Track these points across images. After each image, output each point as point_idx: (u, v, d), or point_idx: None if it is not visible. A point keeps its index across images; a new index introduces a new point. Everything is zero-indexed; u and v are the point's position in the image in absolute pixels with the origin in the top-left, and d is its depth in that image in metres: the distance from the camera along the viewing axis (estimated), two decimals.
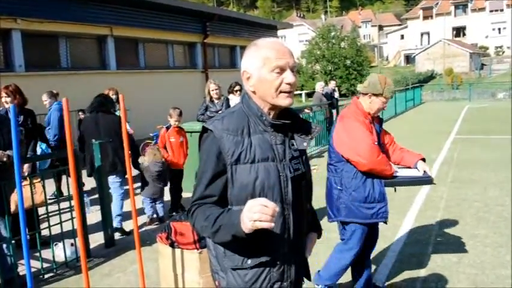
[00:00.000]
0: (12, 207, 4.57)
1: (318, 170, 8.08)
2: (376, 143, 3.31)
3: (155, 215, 6.25)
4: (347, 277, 3.79)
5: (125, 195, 5.73)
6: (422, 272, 4.24)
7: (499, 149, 10.45)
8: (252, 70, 1.76)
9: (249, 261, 1.76)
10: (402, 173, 3.44)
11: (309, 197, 1.99)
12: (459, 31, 62.32)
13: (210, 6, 38.72)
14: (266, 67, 1.72)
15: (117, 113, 6.81)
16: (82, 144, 5.92)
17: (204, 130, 1.81)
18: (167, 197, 6.56)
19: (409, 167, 3.52)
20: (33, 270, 4.57)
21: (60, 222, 4.74)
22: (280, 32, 30.66)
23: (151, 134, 12.32)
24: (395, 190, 3.60)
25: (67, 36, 12.80)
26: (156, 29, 15.31)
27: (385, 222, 3.45)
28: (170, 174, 6.39)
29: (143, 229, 5.92)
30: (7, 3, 10.68)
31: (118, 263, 4.86)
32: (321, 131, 1.99)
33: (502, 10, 58.81)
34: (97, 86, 8.27)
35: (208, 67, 18.24)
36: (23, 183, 4.58)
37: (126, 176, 5.65)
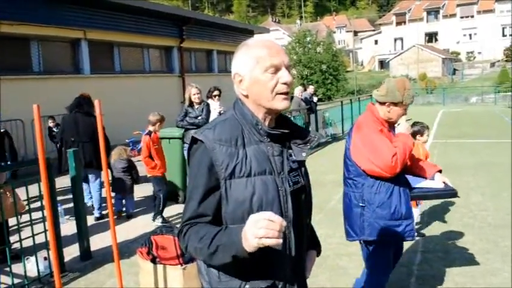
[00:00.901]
0: None
1: None
2: None
3: (123, 209, 6.82)
4: None
5: (101, 187, 6.53)
6: (412, 282, 4.13)
7: (476, 153, 10.56)
8: (244, 72, 1.59)
9: (247, 286, 1.57)
10: (422, 184, 3.18)
11: (309, 211, 1.82)
12: (431, 37, 63.43)
13: (187, 10, 38.40)
14: (259, 67, 1.56)
15: None
16: (62, 142, 6.45)
17: (194, 141, 1.62)
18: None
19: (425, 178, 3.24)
20: (3, 286, 4.33)
21: (33, 235, 4.47)
22: (256, 37, 30.62)
23: (127, 140, 12.04)
24: (417, 204, 3.42)
25: (39, 39, 12.37)
26: (132, 33, 14.99)
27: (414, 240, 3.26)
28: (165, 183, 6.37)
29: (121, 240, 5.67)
30: None
31: (95, 278, 4.63)
32: (322, 139, 1.79)
33: (472, 16, 60.12)
34: (71, 91, 7.96)
35: (185, 71, 17.97)
36: None
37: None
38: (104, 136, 3.51)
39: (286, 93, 1.59)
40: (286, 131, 1.63)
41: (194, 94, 7.04)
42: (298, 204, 1.66)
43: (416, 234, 3.18)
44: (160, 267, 3.18)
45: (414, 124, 5.68)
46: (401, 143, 3.00)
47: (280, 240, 1.33)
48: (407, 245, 5.00)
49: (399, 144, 2.99)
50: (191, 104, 7.12)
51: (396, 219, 3.03)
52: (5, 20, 10.95)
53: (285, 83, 1.57)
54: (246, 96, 1.62)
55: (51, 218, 2.75)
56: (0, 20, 10.84)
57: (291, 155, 1.67)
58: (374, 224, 3.05)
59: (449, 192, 3.14)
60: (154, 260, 3.19)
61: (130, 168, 6.77)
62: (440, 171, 3.23)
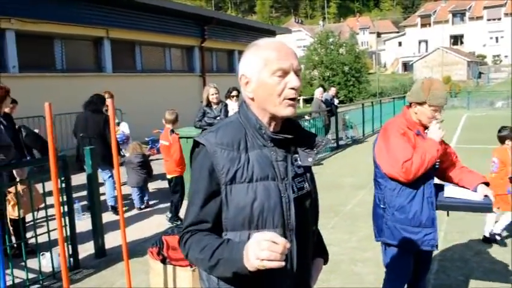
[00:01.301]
0: (15, 214, 4.38)
1: None
2: None
3: (143, 206, 7.13)
4: None
5: (114, 182, 6.69)
6: None
7: None
8: (251, 74, 1.54)
9: None
10: (458, 194, 2.97)
11: (315, 218, 1.75)
12: (457, 39, 62.41)
13: (209, 10, 38.58)
14: (267, 69, 1.50)
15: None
16: (77, 139, 6.80)
17: (196, 144, 1.58)
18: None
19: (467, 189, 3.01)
20: (18, 281, 4.37)
21: (48, 231, 4.51)
22: (278, 37, 30.53)
23: (146, 139, 12.11)
24: (448, 214, 3.28)
25: (62, 37, 12.56)
26: (154, 32, 15.09)
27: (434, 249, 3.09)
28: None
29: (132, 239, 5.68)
30: (0, 2, 10.43)
31: (108, 275, 4.63)
32: (329, 143, 1.73)
33: (499, 19, 58.94)
34: (93, 89, 8.04)
35: (206, 71, 18.03)
36: (10, 190, 4.39)
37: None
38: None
39: (293, 99, 1.53)
40: (289, 136, 1.57)
41: (212, 94, 7.01)
42: (303, 211, 1.61)
43: (435, 244, 3.02)
44: (169, 267, 3.16)
45: (502, 129, 5.58)
46: (422, 149, 2.87)
47: (283, 263, 1.28)
48: None
49: (419, 150, 2.88)
50: (209, 104, 7.11)
51: (415, 226, 2.93)
52: (29, 18, 11.15)
53: (293, 88, 1.51)
54: (252, 99, 1.57)
55: (60, 214, 2.75)
56: (25, 18, 11.06)
57: (296, 160, 1.61)
58: (392, 227, 3.00)
59: (483, 206, 2.87)
60: (164, 261, 3.18)
61: (145, 163, 7.16)
62: (485, 183, 2.96)
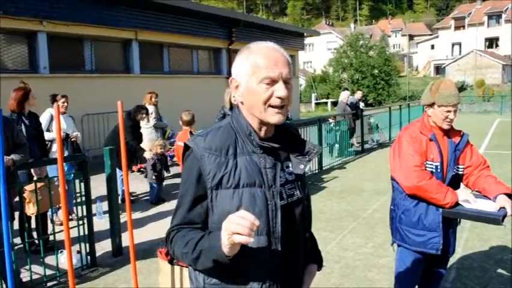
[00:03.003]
0: (33, 210, 4.50)
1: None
2: (437, 164, 2.88)
3: (154, 201, 7.53)
4: None
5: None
6: None
7: None
8: (241, 78, 1.54)
9: None
10: (475, 204, 2.82)
11: (307, 225, 1.73)
12: (492, 42, 60.80)
13: (236, 12, 38.72)
14: (255, 77, 1.50)
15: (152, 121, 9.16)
16: None
17: (186, 147, 1.59)
18: None
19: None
20: (36, 277, 4.49)
21: (68, 229, 4.60)
22: (307, 40, 30.42)
23: (172, 140, 12.25)
24: (459, 222, 3.20)
25: (92, 39, 12.82)
26: (181, 34, 15.23)
27: (451, 254, 3.07)
28: None
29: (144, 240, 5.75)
30: (33, 6, 10.73)
31: (123, 274, 4.70)
32: (320, 151, 1.71)
33: None
34: (121, 89, 8.24)
35: None
36: (27, 187, 4.50)
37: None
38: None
39: (280, 107, 1.52)
40: (276, 145, 1.57)
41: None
42: (292, 218, 1.60)
43: (440, 248, 2.91)
44: (177, 268, 3.19)
45: None
46: (446, 188, 2.83)
47: (251, 239, 1.28)
48: None
49: (444, 186, 2.85)
50: (231, 107, 7.12)
51: (419, 229, 2.93)
52: (60, 20, 11.45)
53: (279, 97, 1.50)
54: (242, 103, 1.58)
55: (66, 214, 2.80)
56: (56, 20, 11.35)
57: (288, 167, 1.61)
58: (399, 228, 3.05)
59: (492, 218, 2.70)
60: (171, 261, 3.21)
61: (155, 165, 7.53)
62: (508, 194, 2.79)
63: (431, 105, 2.93)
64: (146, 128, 9.03)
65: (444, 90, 2.89)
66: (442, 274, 3.27)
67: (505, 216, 2.68)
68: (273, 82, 1.50)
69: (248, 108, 1.56)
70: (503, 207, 2.70)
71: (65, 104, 6.52)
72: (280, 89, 1.50)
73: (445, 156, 2.93)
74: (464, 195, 2.84)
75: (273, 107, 1.51)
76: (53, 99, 6.59)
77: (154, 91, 9.64)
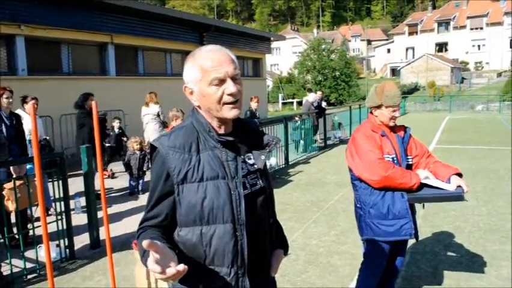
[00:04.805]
0: (12, 208, 4.37)
1: None
2: (393, 156, 2.92)
3: (136, 189, 7.65)
4: None
5: None
6: (398, 283, 4.01)
7: (476, 159, 10.29)
8: (192, 85, 1.56)
9: (201, 287, 1.54)
10: (435, 181, 2.89)
11: (270, 212, 1.74)
12: (441, 47, 62.41)
13: (207, 17, 38.50)
14: (204, 80, 1.51)
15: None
16: None
17: (153, 148, 1.59)
18: None
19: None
20: (16, 270, 4.36)
21: (45, 224, 4.48)
22: (274, 44, 30.50)
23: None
24: (423, 207, 3.24)
25: (69, 42, 12.51)
26: (155, 38, 15.05)
27: (416, 239, 3.06)
28: None
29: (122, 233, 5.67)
30: (11, 10, 10.41)
31: (101, 265, 4.62)
32: (279, 143, 1.75)
33: (481, 28, 59.01)
34: (97, 91, 8.06)
35: None
36: (6, 185, 4.37)
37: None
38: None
39: (234, 103, 1.54)
40: (231, 138, 1.58)
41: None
42: (256, 206, 1.61)
43: (412, 232, 2.95)
44: None
45: None
46: (408, 172, 2.89)
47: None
48: None
49: (406, 170, 2.90)
50: None
51: (390, 219, 2.94)
52: (39, 24, 11.13)
53: (230, 94, 1.51)
54: (199, 107, 1.59)
55: (43, 210, 2.72)
56: (34, 24, 11.03)
57: (250, 159, 1.62)
58: (370, 223, 3.02)
59: (454, 195, 2.81)
60: None
61: (131, 162, 7.58)
62: (459, 174, 2.92)
63: (378, 106, 2.97)
64: (153, 123, 8.90)
65: (390, 91, 2.94)
66: (400, 266, 3.30)
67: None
68: (221, 82, 1.51)
69: (206, 110, 1.57)
70: (459, 186, 2.80)
71: (35, 105, 6.31)
72: (229, 86, 1.51)
73: (397, 149, 2.99)
74: (424, 173, 2.91)
75: (227, 103, 1.52)
76: (23, 100, 6.38)
77: (153, 91, 9.43)
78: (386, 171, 2.83)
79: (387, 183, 2.86)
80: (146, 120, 8.95)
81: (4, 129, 5.04)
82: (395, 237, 2.97)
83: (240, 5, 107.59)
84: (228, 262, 1.53)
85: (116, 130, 9.65)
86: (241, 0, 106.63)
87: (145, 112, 8.96)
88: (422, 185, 2.88)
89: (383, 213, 2.94)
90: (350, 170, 3.10)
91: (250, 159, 1.62)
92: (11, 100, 5.29)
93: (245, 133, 1.64)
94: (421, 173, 2.91)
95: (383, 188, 2.91)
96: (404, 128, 3.14)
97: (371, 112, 3.09)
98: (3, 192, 4.26)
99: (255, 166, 1.62)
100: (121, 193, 7.83)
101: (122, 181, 8.48)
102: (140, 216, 5.52)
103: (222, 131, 1.59)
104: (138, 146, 7.60)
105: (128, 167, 7.59)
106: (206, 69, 1.50)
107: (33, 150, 2.49)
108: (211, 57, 1.53)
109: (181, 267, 1.26)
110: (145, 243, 1.23)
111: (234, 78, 1.53)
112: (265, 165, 1.69)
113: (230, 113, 1.54)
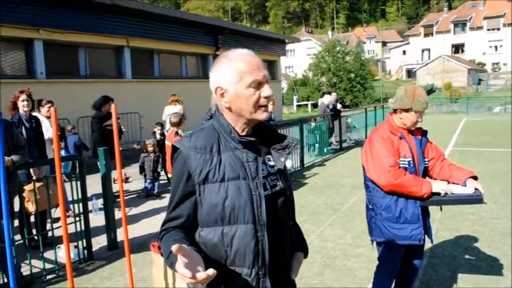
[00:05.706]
0: (32, 209, 4.44)
1: None
2: (409, 160, 2.89)
3: (152, 191, 7.72)
4: None
5: None
6: (415, 286, 3.98)
7: (493, 162, 10.14)
8: (227, 86, 1.55)
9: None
10: (450, 190, 2.85)
11: (290, 213, 1.75)
12: (458, 48, 61.67)
13: (222, 20, 38.64)
14: (242, 82, 1.52)
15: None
16: None
17: (174, 149, 1.61)
18: None
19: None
20: (36, 270, 4.43)
21: (65, 225, 4.55)
22: (288, 46, 30.45)
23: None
24: (441, 209, 3.23)
25: (86, 46, 12.70)
26: (170, 41, 15.16)
27: (430, 241, 3.09)
28: None
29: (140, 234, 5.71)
30: (30, 15, 10.60)
31: (119, 266, 4.66)
32: (298, 144, 1.77)
33: (498, 29, 58.15)
34: (114, 93, 8.14)
35: None
36: (26, 187, 4.44)
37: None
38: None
39: (266, 105, 1.57)
40: (252, 139, 1.59)
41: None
42: (276, 207, 1.62)
43: (422, 238, 2.95)
44: None
45: None
46: (421, 180, 2.87)
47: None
48: None
49: (419, 178, 2.88)
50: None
51: (401, 223, 2.93)
52: (56, 28, 11.32)
53: (266, 97, 1.55)
54: (229, 109, 1.59)
55: (64, 211, 2.76)
56: (52, 28, 11.23)
57: (270, 160, 1.63)
58: (380, 226, 3.01)
59: (474, 198, 2.77)
60: None
61: (144, 164, 7.74)
62: (474, 177, 2.90)
63: (407, 110, 2.94)
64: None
65: (421, 97, 2.92)
66: (417, 268, 3.28)
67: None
68: (259, 85, 1.54)
69: (236, 112, 1.57)
70: (476, 189, 2.79)
71: (53, 109, 6.41)
72: (266, 90, 1.55)
73: (414, 152, 2.97)
74: (439, 186, 2.85)
75: (261, 106, 1.55)
76: (39, 104, 6.49)
77: (174, 93, 9.80)
78: (396, 179, 2.82)
79: (396, 189, 2.85)
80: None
81: (24, 132, 5.14)
82: (403, 241, 2.96)
83: (254, 7, 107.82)
84: (249, 263, 1.54)
85: (158, 136, 9.07)
86: (255, 2, 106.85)
87: (170, 111, 8.95)
88: (434, 194, 2.85)
89: (395, 217, 2.94)
90: (364, 172, 3.09)
91: (270, 160, 1.63)
92: (28, 103, 5.38)
93: (264, 135, 1.66)
94: (437, 186, 2.85)
95: (393, 193, 2.90)
96: (422, 131, 3.12)
97: (392, 113, 3.06)
98: (24, 194, 4.34)
99: (275, 167, 1.63)
100: (137, 195, 7.90)
101: (137, 184, 8.54)
102: (157, 217, 5.61)
103: (243, 133, 1.61)
104: (152, 148, 7.70)
105: (142, 169, 7.73)
106: (244, 71, 1.52)
107: (54, 154, 2.53)
108: (248, 60, 1.55)
109: (211, 271, 1.27)
110: (174, 248, 1.25)
111: (267, 82, 1.58)
112: (285, 166, 1.69)
113: (262, 115, 1.57)
